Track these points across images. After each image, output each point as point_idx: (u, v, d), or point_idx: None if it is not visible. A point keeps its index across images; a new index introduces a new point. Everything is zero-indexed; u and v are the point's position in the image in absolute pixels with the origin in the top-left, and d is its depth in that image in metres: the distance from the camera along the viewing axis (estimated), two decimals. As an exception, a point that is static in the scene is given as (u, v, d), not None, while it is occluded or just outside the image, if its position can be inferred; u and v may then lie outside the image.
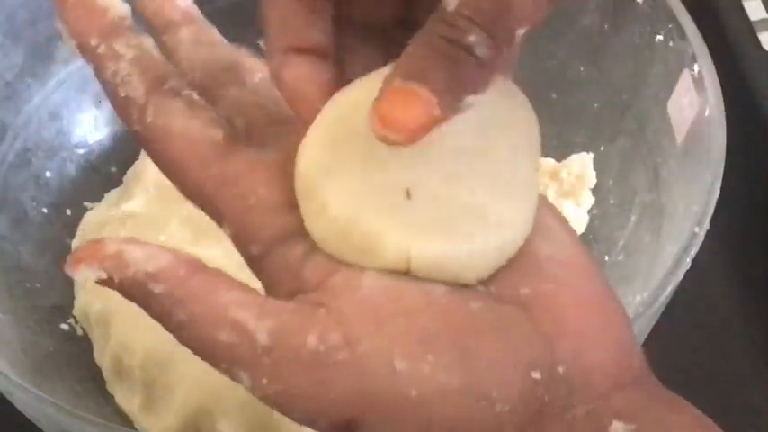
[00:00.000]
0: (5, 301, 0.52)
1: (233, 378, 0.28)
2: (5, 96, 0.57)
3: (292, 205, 0.31)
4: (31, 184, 0.58)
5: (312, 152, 0.31)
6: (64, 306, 0.55)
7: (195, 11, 0.37)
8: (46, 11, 0.59)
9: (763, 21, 0.67)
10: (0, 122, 0.57)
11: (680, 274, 0.43)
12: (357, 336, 0.28)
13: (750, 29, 0.67)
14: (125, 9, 0.34)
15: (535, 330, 0.29)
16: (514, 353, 0.29)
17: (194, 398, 0.49)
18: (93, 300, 0.54)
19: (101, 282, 0.30)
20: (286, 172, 0.31)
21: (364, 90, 0.31)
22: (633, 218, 0.55)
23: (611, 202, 0.57)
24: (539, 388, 0.28)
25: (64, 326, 0.54)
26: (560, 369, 0.29)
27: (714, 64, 0.50)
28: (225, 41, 0.37)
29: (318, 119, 0.32)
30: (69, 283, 0.56)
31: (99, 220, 0.58)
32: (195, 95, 0.33)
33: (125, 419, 0.51)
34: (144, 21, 0.36)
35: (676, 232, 0.47)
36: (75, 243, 0.58)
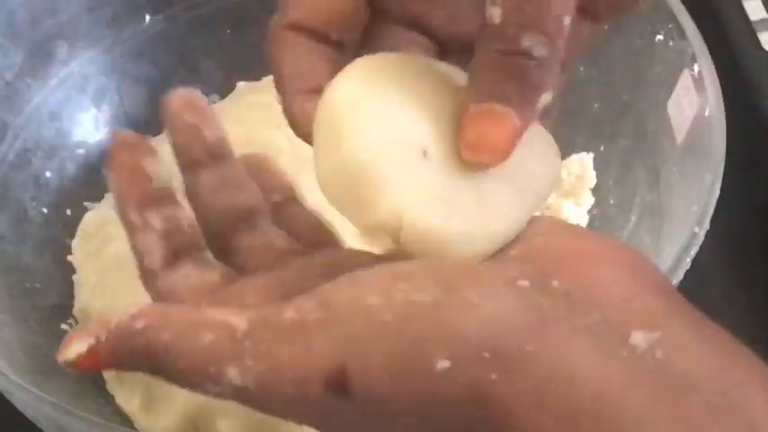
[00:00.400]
0: (5, 301, 0.52)
1: (222, 382, 0.28)
2: (5, 96, 0.57)
3: None
4: (31, 184, 0.58)
5: (344, 86, 0.31)
6: (64, 306, 0.55)
7: (224, 144, 0.36)
8: (46, 11, 0.59)
9: (763, 21, 0.67)
10: (0, 122, 0.57)
11: (680, 274, 0.43)
12: (332, 298, 0.28)
13: (750, 29, 0.67)
14: (170, 177, 0.35)
15: (521, 261, 0.29)
16: (495, 271, 0.28)
17: (194, 398, 0.49)
18: (93, 299, 0.54)
19: (90, 351, 0.32)
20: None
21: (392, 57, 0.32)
22: (633, 218, 0.55)
23: (611, 202, 0.57)
24: (531, 295, 0.27)
25: (64, 326, 0.54)
26: (554, 283, 0.28)
27: (714, 64, 0.50)
28: (247, 180, 0.36)
29: (352, 65, 0.32)
30: (69, 283, 0.56)
31: (99, 220, 0.58)
32: (210, 256, 0.34)
33: (125, 419, 0.51)
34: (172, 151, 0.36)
35: (676, 232, 0.47)
36: (75, 243, 0.58)
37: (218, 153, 0.36)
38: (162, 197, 0.34)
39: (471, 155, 0.30)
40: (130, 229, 0.34)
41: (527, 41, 0.29)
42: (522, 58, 0.29)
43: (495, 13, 0.29)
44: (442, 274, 0.28)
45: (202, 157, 0.36)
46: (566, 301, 0.27)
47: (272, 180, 0.38)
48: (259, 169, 0.38)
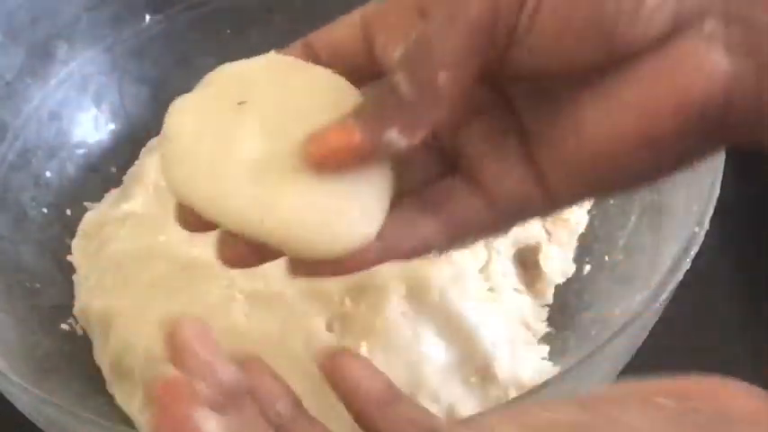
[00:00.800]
0: (5, 301, 0.52)
1: None
2: (5, 96, 0.57)
3: None
4: (31, 184, 0.58)
5: (182, 117, 0.34)
6: (64, 306, 0.55)
7: (242, 383, 0.33)
8: (46, 11, 0.59)
9: (763, 21, 0.67)
10: (0, 122, 0.57)
11: (680, 274, 0.43)
12: None
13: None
14: None
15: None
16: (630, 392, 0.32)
17: (194, 398, 0.49)
18: (93, 299, 0.54)
19: None
20: None
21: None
22: (633, 218, 0.55)
23: (611, 202, 0.57)
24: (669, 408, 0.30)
25: (64, 326, 0.54)
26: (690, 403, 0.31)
27: (714, 64, 0.49)
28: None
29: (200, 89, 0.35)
30: (69, 283, 0.56)
31: (99, 220, 0.58)
32: None
33: (125, 419, 0.51)
34: None
35: (676, 232, 0.47)
36: (75, 243, 0.58)
37: (236, 394, 0.33)
38: None
39: (307, 142, 0.32)
40: None
41: (398, 76, 0.31)
42: (389, 90, 0.32)
43: (399, 50, 0.32)
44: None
45: (219, 399, 0.31)
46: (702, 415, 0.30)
47: (272, 386, 0.36)
48: (255, 373, 0.35)
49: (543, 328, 0.53)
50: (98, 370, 0.53)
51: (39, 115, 0.59)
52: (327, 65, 0.36)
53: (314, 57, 0.37)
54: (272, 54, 0.37)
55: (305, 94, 0.35)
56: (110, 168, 0.61)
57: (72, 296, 0.56)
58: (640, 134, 0.32)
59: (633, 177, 0.34)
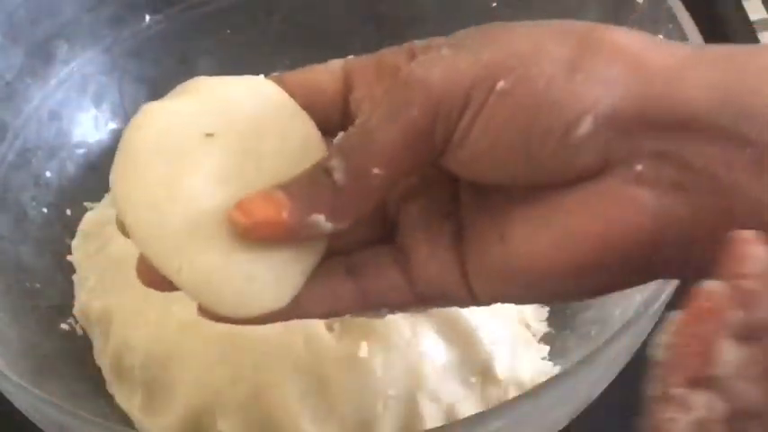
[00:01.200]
0: (5, 301, 0.52)
1: None
2: (5, 96, 0.57)
3: None
4: (31, 184, 0.58)
5: (145, 131, 0.34)
6: (64, 306, 0.55)
7: None
8: (46, 11, 0.59)
9: (763, 21, 0.67)
10: (0, 122, 0.57)
11: (680, 274, 0.43)
12: None
13: (750, 29, 0.67)
14: None
15: None
16: None
17: (194, 397, 0.49)
18: (93, 299, 0.54)
19: None
20: None
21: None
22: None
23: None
24: None
25: (64, 326, 0.54)
26: None
27: (714, 64, 0.49)
28: None
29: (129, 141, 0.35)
30: (69, 283, 0.56)
31: (99, 220, 0.58)
32: None
33: (125, 419, 0.51)
34: None
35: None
36: (75, 243, 0.58)
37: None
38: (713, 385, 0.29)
39: (234, 208, 0.33)
40: (666, 399, 0.30)
41: (334, 161, 0.32)
42: (322, 172, 0.33)
43: (339, 134, 0.33)
44: None
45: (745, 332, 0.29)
46: None
47: None
48: None
49: (543, 328, 0.53)
50: (98, 370, 0.53)
51: (39, 115, 0.59)
52: (301, 107, 0.36)
53: (288, 93, 0.37)
54: (254, 78, 0.37)
55: (270, 139, 0.35)
56: (110, 168, 0.61)
57: (72, 296, 0.55)
58: (562, 260, 0.32)
59: (554, 296, 0.36)
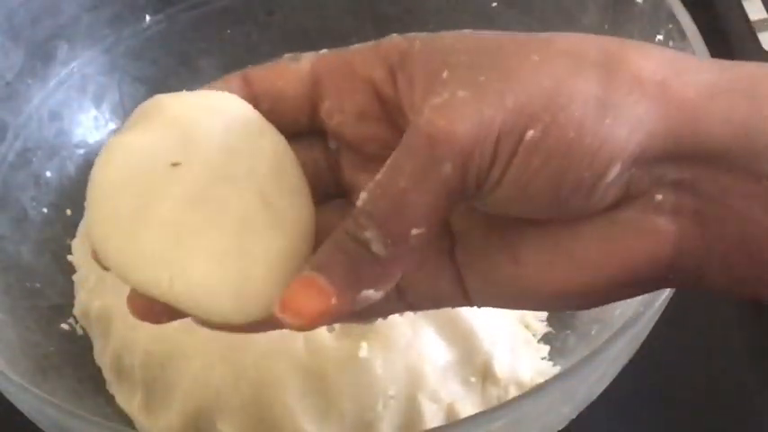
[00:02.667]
0: (5, 301, 0.52)
1: None
2: (5, 96, 0.57)
3: None
4: (31, 184, 0.58)
5: (111, 163, 0.34)
6: (64, 306, 0.55)
7: None
8: (46, 11, 0.59)
9: (763, 21, 0.67)
10: (0, 122, 0.57)
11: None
12: None
13: (750, 29, 0.67)
14: None
15: None
16: None
17: (194, 397, 0.49)
18: (93, 299, 0.54)
19: None
20: None
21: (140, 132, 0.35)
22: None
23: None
24: None
25: (64, 326, 0.54)
26: None
27: (714, 64, 0.49)
28: None
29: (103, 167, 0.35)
30: (69, 283, 0.56)
31: (99, 220, 0.58)
32: None
33: (125, 419, 0.51)
34: None
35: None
36: (74, 243, 0.58)
37: None
38: None
39: (279, 311, 0.31)
40: None
41: (369, 233, 0.31)
42: (360, 247, 0.31)
43: (362, 197, 0.31)
44: None
45: None
46: None
47: None
48: None
49: (543, 327, 0.53)
50: (98, 370, 0.53)
51: (39, 115, 0.59)
52: (267, 113, 0.36)
53: (253, 98, 0.36)
54: (215, 94, 0.36)
55: (240, 157, 0.34)
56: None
57: (72, 296, 0.55)
58: (577, 284, 0.33)
59: (557, 310, 0.38)
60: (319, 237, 0.35)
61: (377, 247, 0.31)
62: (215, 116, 0.35)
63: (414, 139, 0.31)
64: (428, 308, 0.37)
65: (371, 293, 0.31)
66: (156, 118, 0.35)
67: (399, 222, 0.31)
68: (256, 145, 0.35)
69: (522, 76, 0.31)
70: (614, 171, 0.30)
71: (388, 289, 0.32)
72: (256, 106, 0.36)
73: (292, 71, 0.36)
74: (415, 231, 0.31)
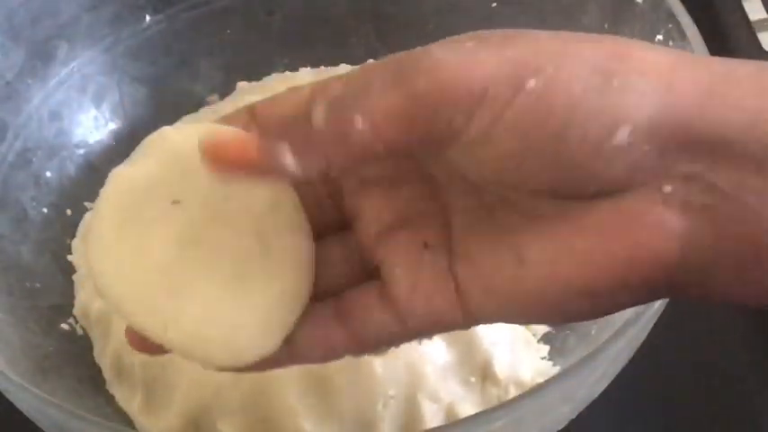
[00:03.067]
0: (5, 301, 0.52)
1: None
2: (5, 96, 0.57)
3: None
4: (31, 184, 0.58)
5: (112, 201, 0.35)
6: (64, 306, 0.55)
7: None
8: (46, 11, 0.59)
9: (763, 21, 0.67)
10: (0, 122, 0.57)
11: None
12: None
13: (750, 29, 0.67)
14: None
15: None
16: None
17: (194, 397, 0.49)
18: (93, 299, 0.54)
19: None
20: None
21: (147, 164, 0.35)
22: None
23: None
24: None
25: (64, 326, 0.54)
26: None
27: (714, 64, 0.49)
28: None
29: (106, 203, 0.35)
30: (69, 283, 0.56)
31: (99, 219, 0.58)
32: None
33: (125, 419, 0.51)
34: None
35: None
36: (75, 243, 0.58)
37: None
38: None
39: (202, 145, 0.31)
40: None
41: (318, 108, 0.30)
42: (303, 114, 0.31)
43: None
44: None
45: None
46: None
47: None
48: None
49: (543, 327, 0.53)
50: (98, 370, 0.53)
51: (39, 115, 0.59)
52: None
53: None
54: (217, 128, 0.36)
55: (238, 193, 0.34)
56: (110, 168, 0.60)
57: (72, 296, 0.56)
58: (583, 282, 0.31)
59: (563, 317, 0.34)
60: (319, 272, 0.35)
61: (317, 118, 0.30)
62: None
63: (404, 54, 0.31)
64: (429, 329, 0.35)
65: (289, 160, 0.31)
66: (159, 151, 0.35)
67: (350, 106, 0.30)
68: (257, 190, 0.35)
69: (528, 38, 0.31)
70: (622, 134, 0.29)
71: (307, 171, 0.31)
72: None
73: (293, 96, 0.35)
74: (360, 121, 0.30)
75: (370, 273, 0.36)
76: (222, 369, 0.34)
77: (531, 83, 0.30)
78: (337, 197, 0.37)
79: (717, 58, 0.32)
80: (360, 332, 0.34)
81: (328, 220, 0.37)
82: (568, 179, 0.31)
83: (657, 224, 0.30)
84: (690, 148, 0.30)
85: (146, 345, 0.34)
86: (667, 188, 0.30)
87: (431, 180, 0.35)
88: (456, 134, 0.30)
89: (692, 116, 0.29)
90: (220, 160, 0.31)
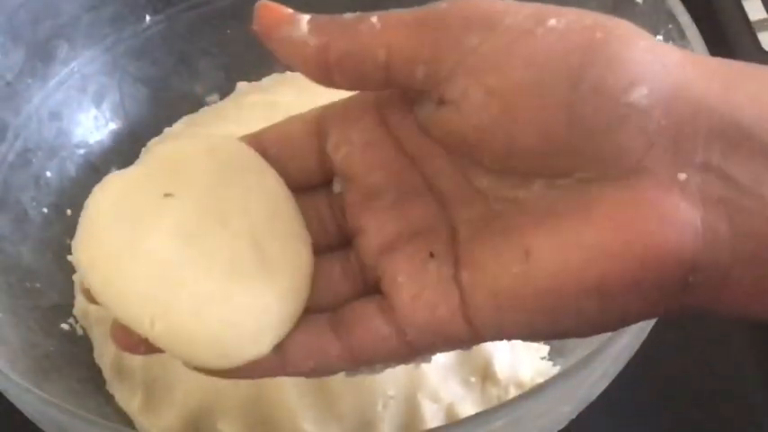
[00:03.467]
0: (5, 301, 0.52)
1: None
2: (5, 96, 0.57)
3: None
4: (31, 184, 0.58)
5: (105, 194, 0.34)
6: (64, 306, 0.55)
7: None
8: (46, 11, 0.59)
9: (763, 21, 0.67)
10: (0, 122, 0.57)
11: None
12: None
13: (750, 29, 0.67)
14: None
15: None
16: None
17: (194, 397, 0.49)
18: (93, 300, 0.54)
19: None
20: None
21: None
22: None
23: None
24: None
25: (64, 326, 0.54)
26: None
27: (714, 64, 0.50)
28: None
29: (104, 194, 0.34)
30: (69, 283, 0.56)
31: (99, 219, 0.58)
32: None
33: (125, 419, 0.51)
34: None
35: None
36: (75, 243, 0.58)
37: None
38: None
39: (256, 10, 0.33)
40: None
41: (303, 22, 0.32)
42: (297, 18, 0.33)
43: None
44: None
45: None
46: None
47: None
48: None
49: (543, 327, 0.53)
50: (98, 370, 0.53)
51: (39, 115, 0.59)
52: (275, 159, 0.36)
53: (263, 149, 0.36)
54: (216, 137, 0.36)
55: (234, 197, 0.34)
56: (110, 168, 0.61)
57: (72, 296, 0.56)
58: (594, 278, 0.30)
59: (569, 325, 0.32)
60: (317, 288, 0.35)
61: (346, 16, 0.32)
62: (212, 154, 0.35)
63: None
64: (429, 342, 0.34)
65: (303, 26, 0.32)
66: (153, 156, 0.35)
67: (331, 27, 0.32)
68: (252, 185, 0.34)
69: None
70: (639, 92, 0.28)
71: (311, 40, 0.32)
72: (264, 153, 0.36)
73: (298, 119, 0.36)
74: (374, 19, 0.31)
75: (369, 290, 0.35)
76: (208, 371, 0.33)
77: (553, 21, 0.29)
78: (339, 214, 0.36)
79: (721, 59, 0.32)
80: (355, 344, 0.33)
81: (329, 237, 0.36)
82: (579, 135, 0.29)
83: (672, 213, 0.29)
84: (705, 133, 0.29)
85: (130, 342, 0.33)
86: (682, 175, 0.29)
87: (436, 192, 0.35)
88: (464, 55, 0.29)
89: (709, 100, 0.29)
90: (264, 7, 0.33)
